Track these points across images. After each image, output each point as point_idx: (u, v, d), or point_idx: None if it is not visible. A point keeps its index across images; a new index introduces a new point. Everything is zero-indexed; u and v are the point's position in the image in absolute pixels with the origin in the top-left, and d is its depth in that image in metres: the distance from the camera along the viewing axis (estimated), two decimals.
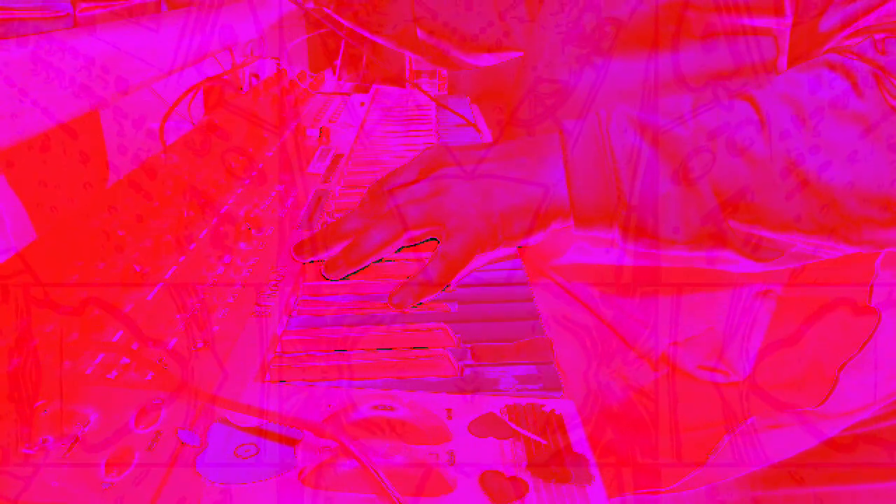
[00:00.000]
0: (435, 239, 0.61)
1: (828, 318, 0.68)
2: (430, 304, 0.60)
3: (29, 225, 0.81)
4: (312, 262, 0.63)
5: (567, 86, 0.71)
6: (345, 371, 0.51)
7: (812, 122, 0.54)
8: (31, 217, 0.81)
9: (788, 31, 0.62)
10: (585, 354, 0.73)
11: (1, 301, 0.53)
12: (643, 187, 0.56)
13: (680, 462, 0.70)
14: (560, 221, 0.59)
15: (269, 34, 1.36)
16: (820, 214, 0.55)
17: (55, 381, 0.47)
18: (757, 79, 0.63)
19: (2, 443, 0.42)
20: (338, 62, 1.60)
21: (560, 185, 0.58)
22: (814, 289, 0.68)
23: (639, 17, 0.65)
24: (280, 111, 1.13)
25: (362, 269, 0.61)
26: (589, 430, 0.44)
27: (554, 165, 0.59)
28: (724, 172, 0.55)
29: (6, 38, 0.59)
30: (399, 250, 0.61)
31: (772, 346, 0.68)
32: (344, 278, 0.62)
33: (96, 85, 0.74)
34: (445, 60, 1.01)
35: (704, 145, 0.55)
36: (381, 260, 0.67)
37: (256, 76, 1.36)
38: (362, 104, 1.28)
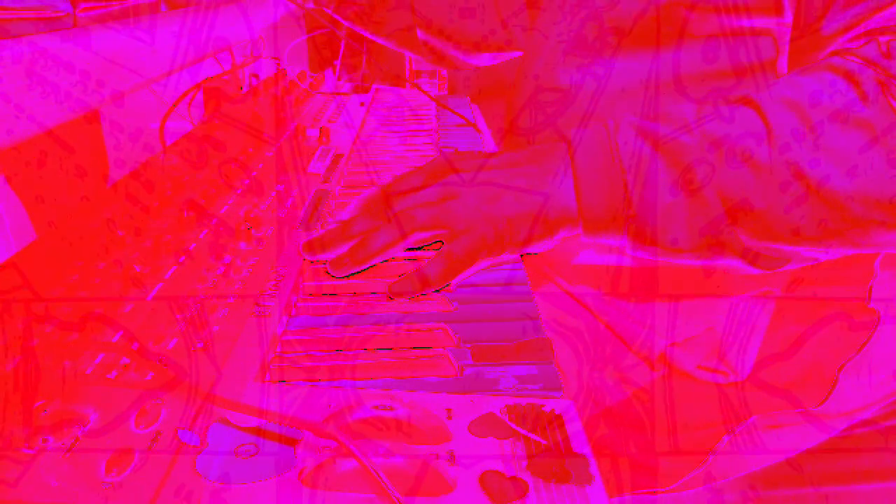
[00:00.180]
0: (440, 242, 0.61)
1: (827, 318, 0.68)
2: (430, 304, 0.60)
3: (29, 225, 0.81)
4: (318, 261, 0.63)
5: (568, 94, 0.71)
6: (345, 371, 0.51)
7: (817, 129, 0.54)
8: (31, 217, 0.81)
9: (788, 31, 0.62)
10: (585, 355, 0.73)
11: (1, 301, 0.53)
12: (650, 195, 0.56)
13: (680, 462, 0.70)
14: (568, 229, 0.59)
15: (268, 34, 1.36)
16: (825, 220, 0.55)
17: (55, 381, 0.47)
18: (758, 80, 0.63)
19: (2, 443, 0.42)
20: (338, 62, 1.60)
21: (568, 194, 0.59)
22: (813, 289, 0.68)
23: (640, 21, 0.65)
24: (280, 111, 1.12)
25: (367, 268, 0.61)
26: (589, 430, 0.44)
27: (562, 174, 0.59)
28: (729, 180, 0.55)
29: (6, 38, 0.59)
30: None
31: (771, 347, 0.68)
32: (347, 277, 0.62)
33: (96, 85, 0.74)
34: (445, 60, 1.01)
35: (710, 153, 0.55)
36: (386, 260, 0.67)
37: (256, 76, 1.36)
38: (362, 104, 1.28)
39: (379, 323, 0.57)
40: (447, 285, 0.59)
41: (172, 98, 1.09)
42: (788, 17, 0.61)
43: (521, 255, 0.71)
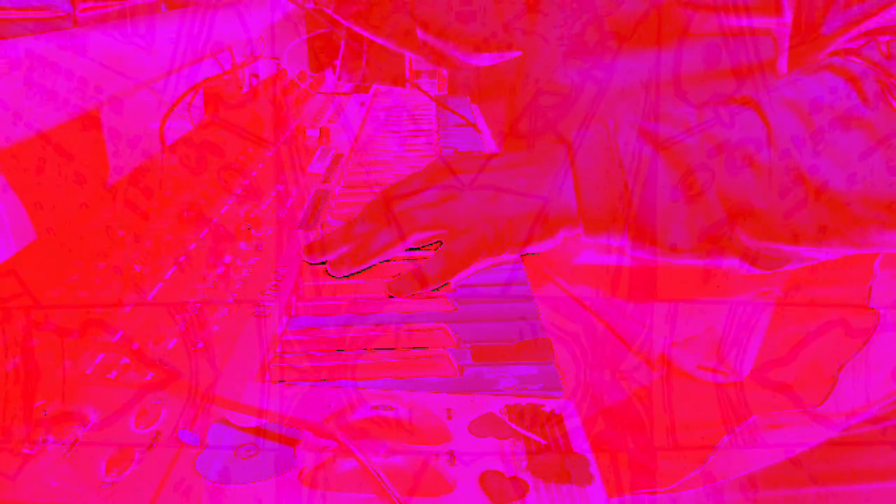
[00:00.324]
0: (440, 242, 0.61)
1: (827, 318, 0.68)
2: (430, 305, 0.60)
3: (29, 226, 0.81)
4: (321, 263, 0.63)
5: (568, 95, 0.71)
6: (345, 371, 0.51)
7: (817, 131, 0.54)
8: (31, 218, 0.81)
9: (787, 31, 0.62)
10: (585, 355, 0.73)
11: (1, 301, 0.53)
12: (651, 196, 0.56)
13: (680, 462, 0.70)
14: (568, 230, 0.59)
15: (268, 34, 1.36)
16: (826, 221, 0.55)
17: (55, 381, 0.47)
18: (758, 80, 0.63)
19: (2, 443, 0.42)
20: (338, 62, 1.60)
21: (568, 194, 0.59)
22: (813, 289, 0.68)
23: (640, 22, 0.66)
24: (280, 111, 1.12)
25: (367, 268, 0.61)
26: (589, 430, 0.44)
27: (562, 174, 0.59)
28: (730, 182, 0.55)
29: (6, 38, 0.59)
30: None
31: (771, 347, 0.68)
32: (347, 276, 0.62)
33: (96, 86, 0.74)
34: (445, 60, 1.01)
35: (710, 155, 0.55)
36: (387, 260, 0.67)
37: (256, 76, 1.36)
38: (362, 104, 1.28)
39: (379, 323, 0.57)
40: (446, 284, 0.59)
41: (172, 98, 1.09)
42: (788, 17, 0.61)
43: (522, 256, 0.71)
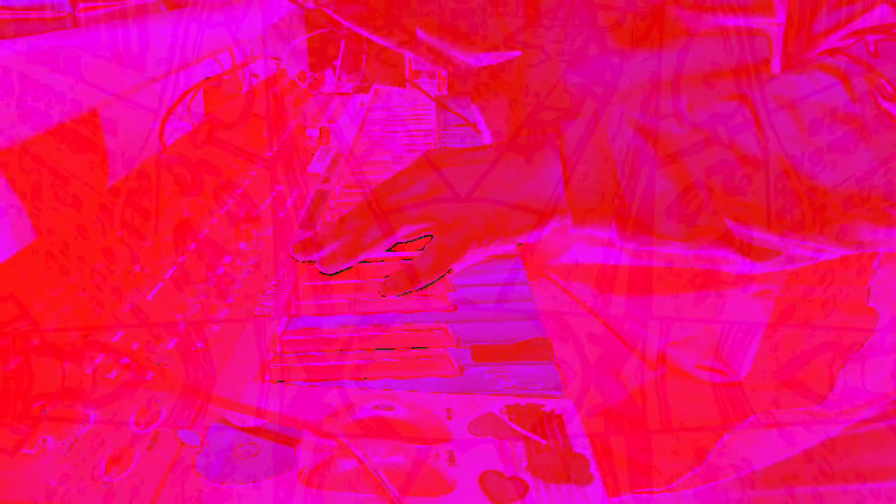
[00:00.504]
0: (430, 236, 0.61)
1: (826, 317, 0.68)
2: (430, 305, 0.60)
3: (29, 225, 0.81)
4: (310, 261, 0.63)
5: (568, 113, 0.71)
6: (345, 371, 0.51)
7: (806, 124, 0.54)
8: (31, 217, 0.81)
9: (781, 31, 0.62)
10: (585, 355, 0.73)
11: (1, 301, 0.53)
12: (640, 187, 0.56)
13: (679, 461, 0.70)
14: (558, 220, 0.59)
15: (269, 34, 1.36)
16: (813, 214, 0.55)
17: (55, 381, 0.47)
18: (753, 80, 0.63)
19: (2, 443, 0.42)
20: (338, 62, 1.60)
21: (557, 184, 0.58)
22: (812, 289, 0.69)
23: (637, 22, 0.66)
24: (280, 111, 1.12)
25: (356, 262, 0.61)
26: (589, 430, 0.44)
27: (551, 164, 0.59)
28: (719, 172, 0.55)
29: (6, 38, 0.59)
30: (394, 247, 0.61)
31: (770, 346, 0.68)
32: (337, 273, 0.61)
33: (96, 85, 0.74)
34: (445, 60, 1.01)
35: (701, 146, 0.55)
36: (383, 260, 0.67)
37: (256, 76, 1.36)
38: (362, 104, 1.28)
39: (379, 323, 0.57)
40: (439, 278, 0.59)
41: (172, 98, 1.09)
42: (781, 17, 0.61)
43: (519, 252, 0.71)
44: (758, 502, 0.73)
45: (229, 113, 1.09)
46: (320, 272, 0.62)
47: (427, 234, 0.61)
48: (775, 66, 0.63)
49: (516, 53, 0.95)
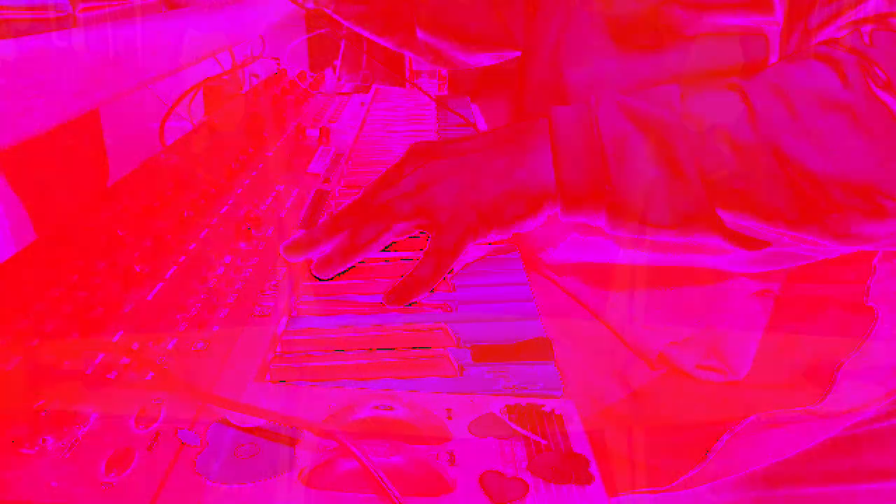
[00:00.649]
0: (424, 232, 0.60)
1: (825, 316, 0.68)
2: (430, 304, 0.60)
3: (29, 225, 0.81)
4: (300, 261, 0.63)
5: (567, 95, 0.71)
6: (345, 371, 0.51)
7: (799, 111, 0.54)
8: (31, 217, 0.81)
9: (779, 29, 0.62)
10: (585, 354, 0.73)
11: (1, 301, 0.53)
12: (630, 172, 0.56)
13: (679, 461, 0.70)
14: (551, 206, 0.59)
15: (269, 34, 1.36)
16: (805, 203, 0.54)
17: (55, 381, 0.47)
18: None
19: (2, 443, 0.42)
20: (338, 62, 1.60)
21: (548, 171, 0.58)
22: (812, 288, 0.69)
23: (636, 21, 0.65)
24: (280, 111, 1.13)
25: (352, 266, 0.61)
26: (589, 430, 0.44)
27: (542, 150, 0.59)
28: (710, 158, 0.55)
29: (6, 38, 0.59)
30: (388, 247, 0.61)
31: (770, 345, 0.68)
32: (333, 277, 0.61)
33: (96, 85, 0.74)
34: (445, 60, 1.01)
35: (692, 131, 0.55)
36: (386, 260, 0.67)
37: (256, 76, 1.36)
38: (362, 104, 1.28)
39: (379, 323, 0.57)
40: (443, 280, 0.59)
41: (172, 98, 1.09)
42: (779, 15, 0.61)
43: (518, 250, 0.71)
44: (758, 502, 0.73)
45: (229, 113, 1.09)
46: (316, 278, 0.61)
47: (421, 230, 0.60)
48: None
49: (516, 53, 0.95)
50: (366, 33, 0.99)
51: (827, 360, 0.68)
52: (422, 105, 1.30)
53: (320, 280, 0.61)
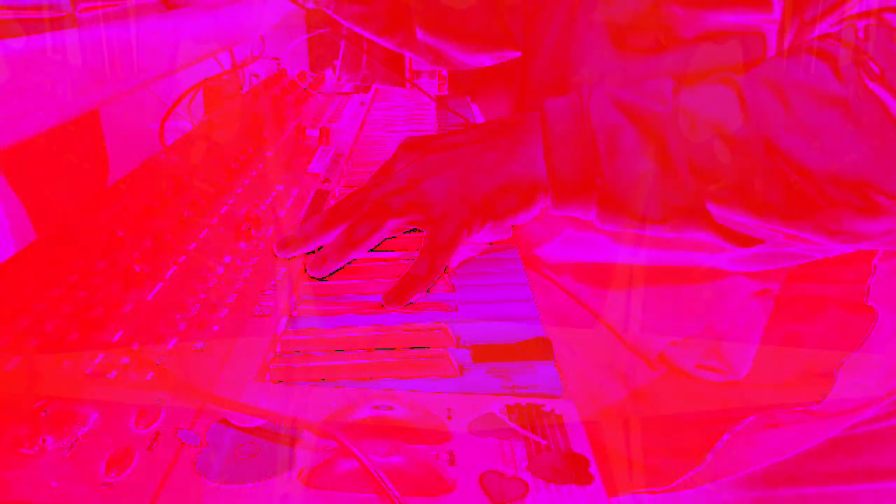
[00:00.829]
0: (416, 230, 0.60)
1: (825, 316, 0.68)
2: (429, 305, 0.60)
3: (29, 225, 0.81)
4: (293, 257, 0.62)
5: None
6: (345, 371, 0.51)
7: (792, 105, 0.54)
8: (31, 217, 0.81)
9: (776, 27, 0.62)
10: (585, 354, 0.73)
11: (1, 301, 0.53)
12: (621, 165, 0.56)
13: (679, 461, 0.70)
14: (544, 199, 0.59)
15: (269, 34, 1.36)
16: (798, 198, 0.54)
17: (55, 381, 0.47)
18: None
19: (2, 443, 0.42)
20: (338, 62, 1.60)
21: (541, 162, 0.58)
22: (812, 287, 0.68)
23: (635, 21, 0.65)
24: (280, 111, 1.13)
25: (346, 263, 0.60)
26: (589, 430, 0.44)
27: (533, 143, 0.58)
28: (702, 152, 0.55)
29: (6, 38, 0.59)
30: (379, 245, 0.61)
31: (770, 345, 0.68)
32: (328, 276, 0.61)
33: (96, 85, 0.74)
34: (445, 60, 1.01)
35: (683, 125, 0.55)
36: (384, 260, 0.67)
37: (256, 76, 1.36)
38: (362, 104, 1.28)
39: (379, 323, 0.57)
40: (440, 277, 0.59)
41: (172, 98, 1.09)
42: (777, 13, 0.61)
43: (518, 249, 0.71)
44: (758, 502, 0.73)
45: (229, 113, 1.09)
46: (311, 277, 0.61)
47: (415, 227, 0.60)
48: None
49: (516, 53, 0.95)
50: (366, 33, 0.99)
51: (827, 360, 0.68)
52: (422, 105, 1.30)
53: (315, 279, 0.61)
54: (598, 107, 0.57)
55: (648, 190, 0.55)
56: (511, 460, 0.41)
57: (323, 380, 0.50)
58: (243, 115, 1.04)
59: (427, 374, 0.50)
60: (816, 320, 0.68)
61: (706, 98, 0.56)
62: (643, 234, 0.58)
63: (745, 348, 0.68)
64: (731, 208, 0.55)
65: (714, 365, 0.68)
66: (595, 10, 0.69)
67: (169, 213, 0.72)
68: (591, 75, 0.69)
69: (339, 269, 0.61)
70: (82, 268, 0.60)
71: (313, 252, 0.62)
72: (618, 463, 0.69)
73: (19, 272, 0.58)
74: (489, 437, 0.43)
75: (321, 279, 0.62)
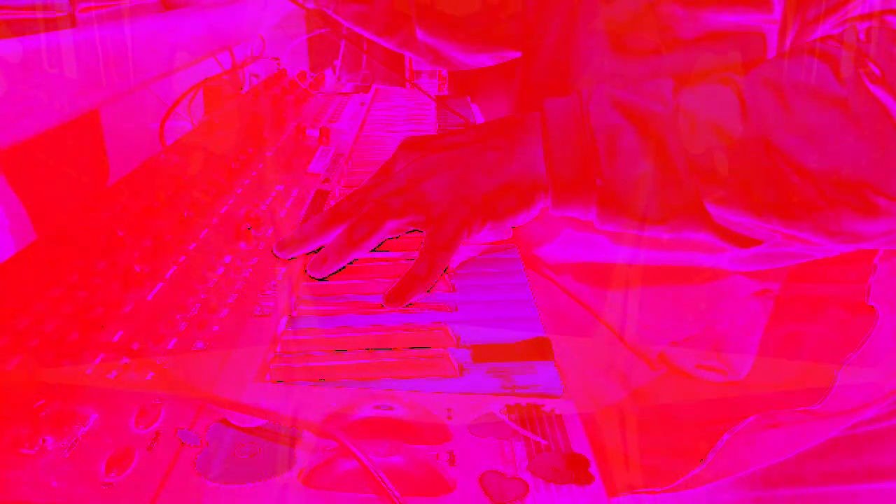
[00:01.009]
0: (417, 230, 0.60)
1: (826, 316, 0.68)
2: (430, 305, 0.60)
3: (29, 225, 0.81)
4: (292, 257, 0.62)
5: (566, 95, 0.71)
6: (345, 371, 0.51)
7: (792, 105, 0.54)
8: (31, 217, 0.81)
9: (776, 28, 0.62)
10: (585, 354, 0.73)
11: (1, 301, 0.53)
12: (621, 165, 0.56)
13: (679, 461, 0.70)
14: (543, 199, 0.59)
15: (269, 34, 1.36)
16: (796, 199, 0.54)
17: (55, 381, 0.47)
18: None
19: (2, 443, 0.42)
20: (338, 62, 1.60)
21: (540, 163, 0.58)
22: (812, 287, 0.68)
23: (635, 21, 0.65)
24: (280, 111, 1.13)
25: (345, 264, 0.60)
26: (589, 430, 0.44)
27: (533, 143, 0.58)
28: (702, 152, 0.55)
29: (6, 38, 0.59)
30: (380, 246, 0.61)
31: (770, 345, 0.68)
32: (328, 277, 0.61)
33: (96, 85, 0.74)
34: (445, 60, 1.01)
35: (684, 125, 0.55)
36: (384, 260, 0.67)
37: (256, 76, 1.36)
38: (362, 104, 1.28)
39: (379, 323, 0.57)
40: (440, 277, 0.59)
41: (172, 98, 1.09)
42: (777, 13, 0.61)
43: (518, 249, 0.71)
44: (758, 502, 0.73)
45: (229, 113, 1.09)
46: (311, 277, 0.61)
47: (415, 228, 0.60)
48: None
49: (516, 54, 0.95)
50: (366, 33, 0.99)
51: (827, 360, 0.68)
52: (422, 105, 1.30)
53: (315, 279, 0.61)
54: (597, 107, 0.57)
55: (648, 190, 0.55)
56: (511, 460, 0.41)
57: (323, 380, 0.50)
58: (243, 115, 1.04)
59: (427, 374, 0.50)
60: (817, 320, 0.68)
61: (706, 98, 0.56)
62: (643, 234, 0.58)
63: (745, 348, 0.68)
64: (730, 209, 0.55)
65: (714, 365, 0.68)
66: (595, 11, 0.69)
67: (169, 213, 0.72)
68: (592, 76, 0.69)
69: (339, 270, 0.61)
70: (82, 268, 0.60)
71: (313, 252, 0.62)
72: (618, 463, 0.69)
73: (19, 272, 0.58)
74: (489, 437, 0.43)
75: (321, 280, 0.61)
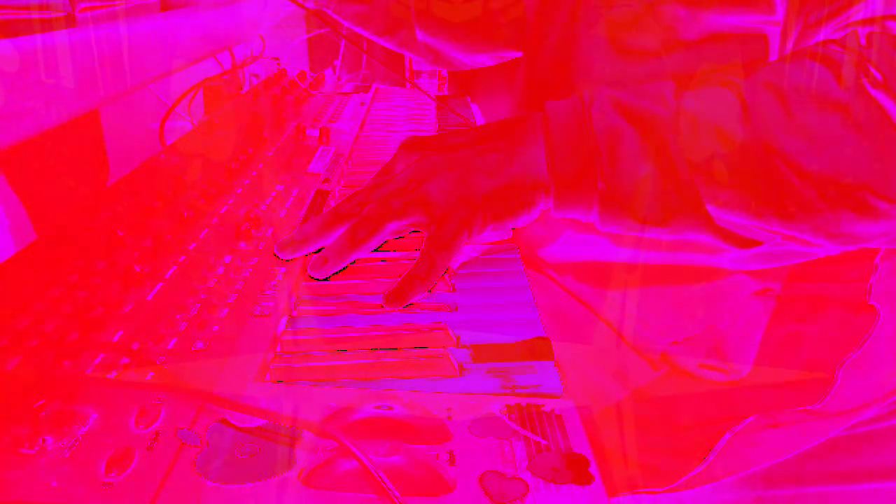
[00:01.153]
0: (417, 231, 0.60)
1: (827, 315, 0.68)
2: (430, 305, 0.60)
3: (29, 225, 0.81)
4: (293, 258, 0.62)
5: (567, 96, 0.71)
6: (345, 371, 0.51)
7: (793, 109, 0.54)
8: (31, 217, 0.82)
9: (779, 30, 0.62)
10: (585, 354, 0.73)
11: (1, 301, 0.53)
12: (622, 168, 0.56)
13: (680, 461, 0.70)
14: (544, 201, 0.59)
15: (269, 34, 1.36)
16: (797, 202, 0.54)
17: (55, 381, 0.47)
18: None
19: (2, 443, 0.42)
20: (338, 62, 1.60)
21: (542, 165, 0.58)
22: (813, 287, 0.68)
23: (636, 22, 0.65)
24: (280, 111, 1.13)
25: (347, 264, 0.60)
26: (589, 430, 0.44)
27: (535, 145, 0.58)
28: (703, 155, 0.55)
29: (6, 38, 0.59)
30: (380, 247, 0.61)
31: (771, 345, 0.68)
32: (329, 277, 0.61)
33: (96, 85, 0.74)
34: (445, 60, 1.01)
35: (685, 127, 0.55)
36: (385, 260, 0.67)
37: (256, 76, 1.36)
38: (362, 104, 1.28)
39: (379, 323, 0.57)
40: (440, 278, 0.59)
41: (172, 98, 1.09)
42: (779, 14, 0.61)
43: (519, 249, 0.71)
44: (758, 502, 0.73)
45: (229, 113, 1.09)
46: (312, 278, 0.61)
47: (415, 229, 0.60)
48: None
49: (516, 54, 0.95)
50: (366, 33, 0.99)
51: (828, 359, 0.68)
52: (422, 105, 1.30)
53: (316, 280, 0.61)
54: (599, 109, 0.57)
55: (649, 193, 0.55)
56: (511, 460, 0.41)
57: (323, 380, 0.50)
58: (243, 116, 1.04)
59: (427, 374, 0.50)
60: (817, 320, 0.68)
61: (707, 101, 0.56)
62: (644, 236, 0.58)
63: (746, 347, 0.68)
64: (731, 211, 0.56)
65: (716, 364, 0.68)
66: (597, 12, 0.69)
67: (169, 213, 0.72)
68: (593, 77, 0.69)
69: (340, 271, 0.61)
70: (82, 268, 0.60)
71: (313, 253, 0.62)
72: (618, 463, 0.69)
73: (19, 272, 0.58)
74: (489, 437, 0.43)
75: (322, 280, 0.61)
